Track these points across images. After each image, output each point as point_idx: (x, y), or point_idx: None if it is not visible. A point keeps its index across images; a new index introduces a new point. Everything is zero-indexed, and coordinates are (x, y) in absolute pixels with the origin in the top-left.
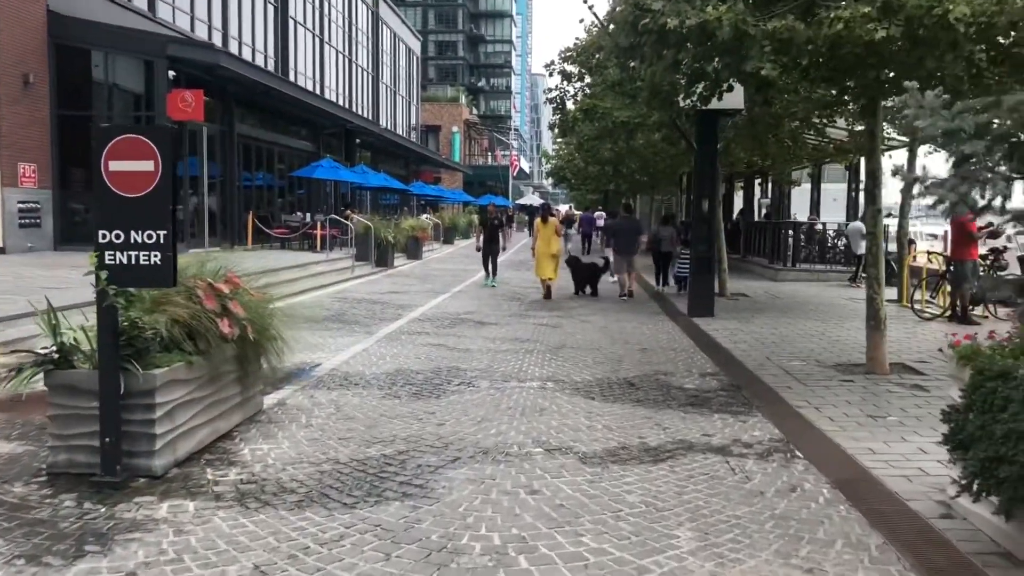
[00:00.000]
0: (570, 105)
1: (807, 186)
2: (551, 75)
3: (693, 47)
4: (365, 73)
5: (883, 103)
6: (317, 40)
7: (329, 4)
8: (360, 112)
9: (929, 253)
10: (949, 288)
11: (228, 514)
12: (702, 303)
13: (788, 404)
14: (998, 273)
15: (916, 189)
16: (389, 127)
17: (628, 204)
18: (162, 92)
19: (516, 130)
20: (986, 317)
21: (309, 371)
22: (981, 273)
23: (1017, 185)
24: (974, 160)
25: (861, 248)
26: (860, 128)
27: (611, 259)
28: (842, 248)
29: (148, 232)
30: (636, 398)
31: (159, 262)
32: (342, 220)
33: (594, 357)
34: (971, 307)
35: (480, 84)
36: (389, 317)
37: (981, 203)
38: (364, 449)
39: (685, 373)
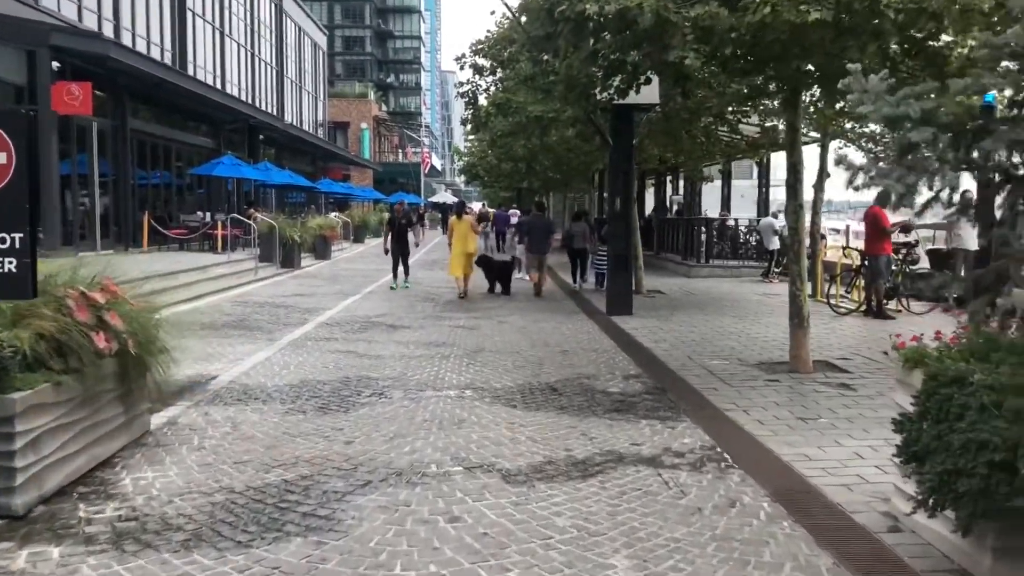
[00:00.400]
0: (482, 100)
1: (718, 183)
2: (462, 68)
3: (612, 36)
4: (269, 68)
5: (803, 95)
6: (217, 33)
7: None
8: (264, 108)
9: (845, 248)
10: (863, 283)
11: (100, 561)
12: (621, 301)
13: (715, 407)
14: (909, 268)
15: (860, 179)
16: (295, 123)
17: (540, 202)
18: (46, 84)
19: (427, 127)
20: (899, 311)
21: (204, 385)
22: (894, 268)
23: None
24: (924, 148)
25: (773, 244)
26: (771, 124)
27: (521, 257)
28: (754, 244)
29: (0, 235)
30: (560, 405)
31: (14, 269)
32: (244, 220)
33: (514, 361)
34: (885, 301)
35: (389, 80)
36: (294, 322)
37: (929, 195)
38: (263, 474)
39: (608, 376)
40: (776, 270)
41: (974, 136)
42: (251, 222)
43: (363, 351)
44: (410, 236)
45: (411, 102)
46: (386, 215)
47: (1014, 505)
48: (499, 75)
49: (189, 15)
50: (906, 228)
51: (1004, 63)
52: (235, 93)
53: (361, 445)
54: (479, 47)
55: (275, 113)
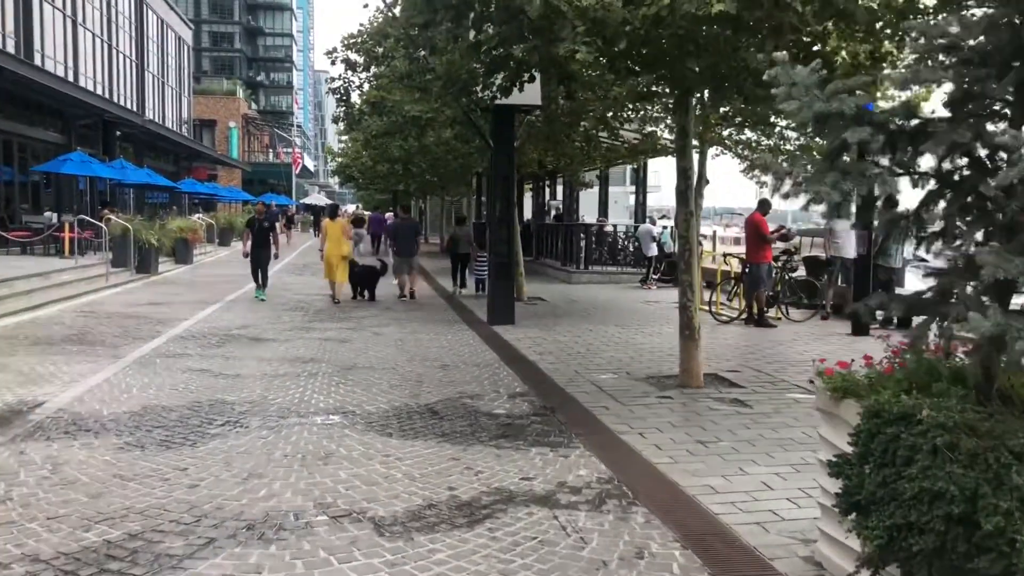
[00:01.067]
0: (356, 98)
1: (595, 189)
2: (333, 63)
3: (496, 27)
4: (128, 61)
5: (694, 96)
6: (69, 21)
7: None
8: (123, 103)
9: (725, 256)
10: (743, 290)
11: None
12: (503, 310)
13: (609, 430)
14: (789, 275)
15: (786, 186)
16: (158, 120)
17: (406, 205)
18: None
19: (299, 126)
20: (779, 319)
21: (26, 414)
22: (775, 275)
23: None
24: (862, 151)
25: (652, 250)
26: (651, 130)
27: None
28: (633, 250)
29: None
30: (441, 431)
31: None
32: (95, 222)
33: (390, 379)
34: (766, 309)
35: (260, 78)
36: (144, 335)
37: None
38: (81, 533)
39: (493, 394)
40: (654, 276)
41: (911, 138)
42: (102, 224)
43: (219, 369)
44: (283, 238)
45: (282, 101)
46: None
47: (974, 567)
48: (373, 72)
49: (35, 1)
50: (784, 236)
51: (940, 56)
52: (89, 87)
53: (208, 489)
54: (351, 40)
55: (135, 109)
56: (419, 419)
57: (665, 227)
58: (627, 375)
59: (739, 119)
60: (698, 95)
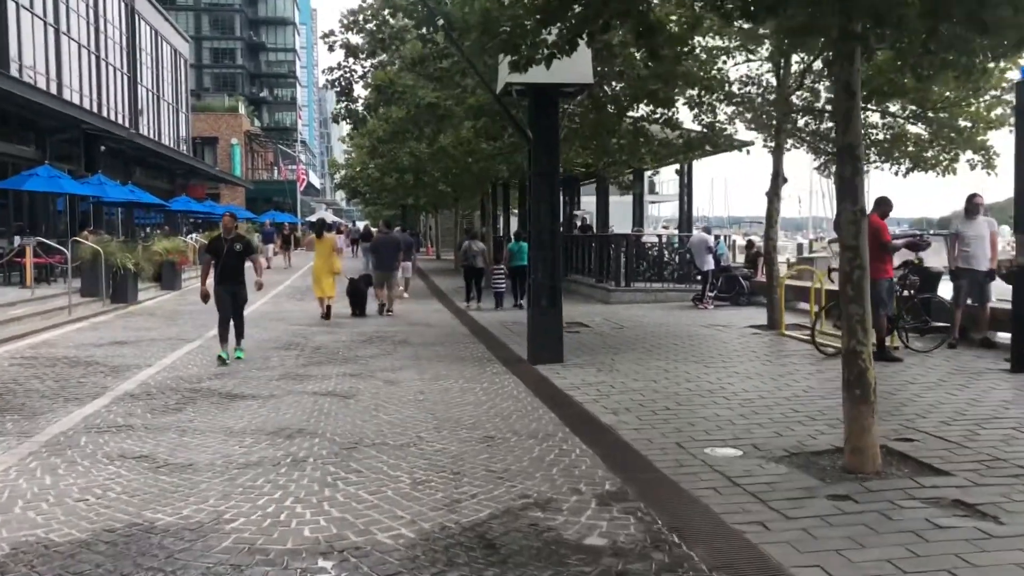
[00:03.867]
0: (360, 91)
1: (620, 196)
2: (331, 49)
3: None
4: (119, 73)
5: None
6: (51, 30)
7: None
8: (115, 118)
9: (831, 270)
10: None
11: None
12: (548, 346)
13: None
14: (914, 292)
15: None
16: (153, 136)
17: (388, 221)
18: None
19: (304, 142)
20: (896, 348)
21: None
22: (897, 294)
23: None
24: None
25: (708, 263)
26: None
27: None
28: (678, 263)
29: None
30: None
31: None
32: (56, 246)
33: (412, 468)
34: (887, 338)
35: (263, 95)
36: (85, 393)
37: None
38: None
39: (573, 499)
40: (710, 294)
41: None
42: (64, 249)
43: (166, 454)
44: (264, 262)
45: (286, 117)
46: (257, 236)
47: None
48: (379, 59)
49: (11, 6)
50: (916, 245)
51: None
52: (75, 100)
53: None
54: (352, 19)
55: (127, 124)
56: (464, 560)
57: (718, 236)
58: (755, 450)
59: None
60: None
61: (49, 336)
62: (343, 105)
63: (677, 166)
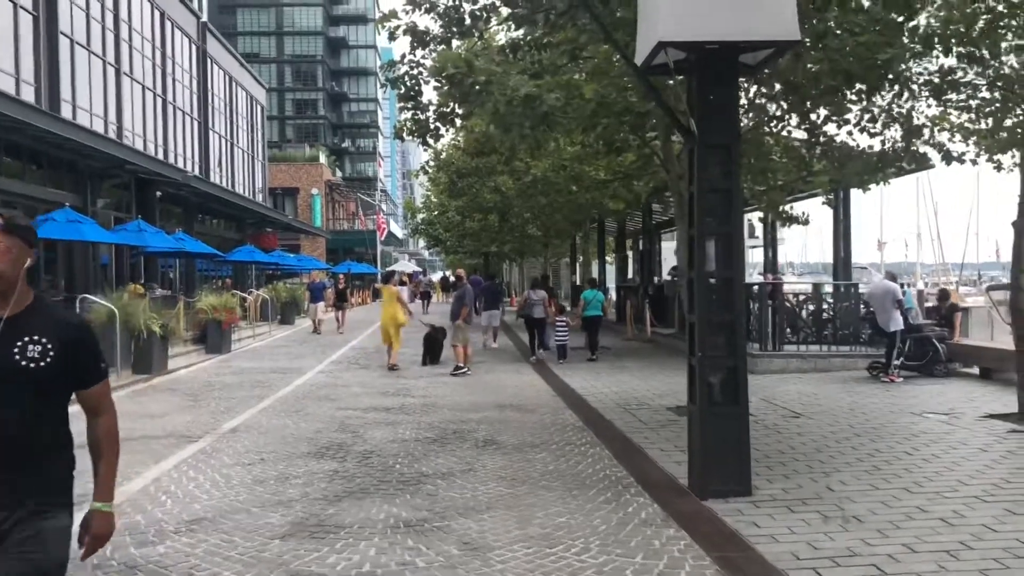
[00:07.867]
0: (431, 94)
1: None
2: (392, 37)
3: None
4: (188, 118)
5: None
6: (111, 69)
7: (130, 27)
8: (184, 166)
9: None
10: None
11: None
12: (726, 469)
13: None
14: None
15: None
16: (228, 186)
17: (458, 274)
18: None
19: (385, 191)
20: None
21: None
22: None
23: None
24: None
25: (896, 322)
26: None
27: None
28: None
29: None
30: None
31: None
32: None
33: None
34: None
35: (345, 145)
36: None
37: None
38: None
39: None
40: (896, 362)
41: None
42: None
43: None
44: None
45: (368, 168)
46: (330, 288)
47: None
48: (456, 47)
49: (64, 43)
50: None
51: None
52: (137, 145)
53: None
54: None
55: (198, 172)
56: None
57: (903, 284)
58: None
59: None
60: None
61: None
62: (410, 115)
63: (829, 196)
